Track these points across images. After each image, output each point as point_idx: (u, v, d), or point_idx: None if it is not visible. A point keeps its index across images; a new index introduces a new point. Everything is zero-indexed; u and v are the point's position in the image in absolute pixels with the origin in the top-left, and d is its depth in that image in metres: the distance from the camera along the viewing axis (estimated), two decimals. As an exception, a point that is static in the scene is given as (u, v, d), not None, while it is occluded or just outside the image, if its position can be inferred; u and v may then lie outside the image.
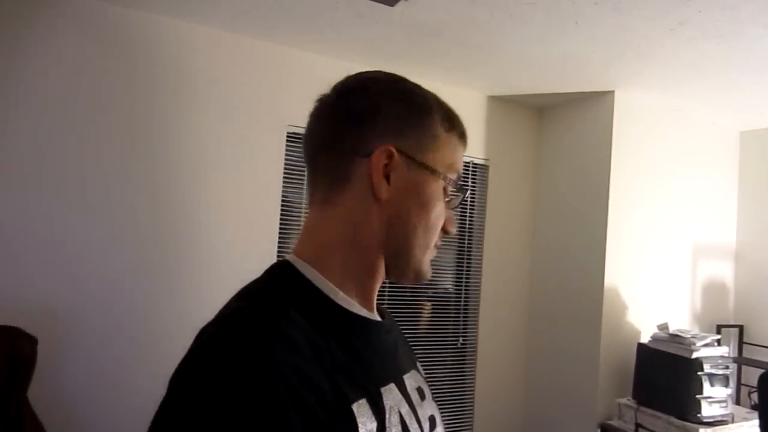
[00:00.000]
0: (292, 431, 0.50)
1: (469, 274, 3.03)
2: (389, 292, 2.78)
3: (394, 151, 0.64)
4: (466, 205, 3.00)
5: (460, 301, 3.02)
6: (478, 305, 3.01)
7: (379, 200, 0.64)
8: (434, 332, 2.94)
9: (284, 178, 2.49)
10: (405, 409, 0.66)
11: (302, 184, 2.51)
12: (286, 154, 2.50)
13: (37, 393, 1.86)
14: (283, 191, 2.50)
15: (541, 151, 3.18)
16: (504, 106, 3.07)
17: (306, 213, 0.76)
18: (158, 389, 0.54)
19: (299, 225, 2.49)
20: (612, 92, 2.74)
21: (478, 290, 3.01)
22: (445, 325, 2.99)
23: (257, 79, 2.44)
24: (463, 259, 3.01)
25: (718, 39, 2.07)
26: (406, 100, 0.68)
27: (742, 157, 3.23)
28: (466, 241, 3.01)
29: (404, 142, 0.65)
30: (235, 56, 2.40)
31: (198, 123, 2.33)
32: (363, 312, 0.67)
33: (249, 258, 2.32)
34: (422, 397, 0.73)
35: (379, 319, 0.70)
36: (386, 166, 0.64)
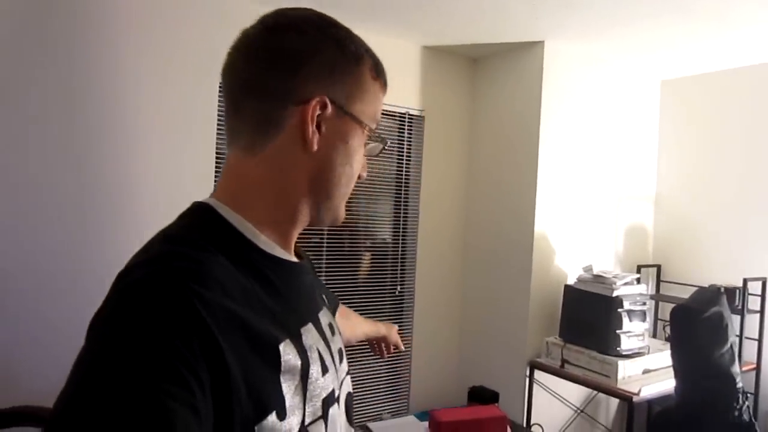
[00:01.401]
0: (228, 374, 0.50)
1: (406, 225, 3.08)
2: (328, 243, 2.80)
3: (328, 101, 0.63)
4: (402, 156, 3.03)
5: (397, 251, 3.08)
6: (415, 254, 3.08)
7: (310, 151, 0.64)
8: (373, 282, 3.00)
9: (218, 125, 2.44)
10: (322, 346, 0.69)
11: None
12: (220, 100, 2.43)
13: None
14: (217, 138, 2.43)
15: (475, 101, 3.22)
16: (438, 56, 3.08)
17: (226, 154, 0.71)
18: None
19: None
20: (542, 42, 2.79)
21: (415, 240, 3.08)
22: (383, 274, 3.05)
23: (185, 23, 2.34)
24: (399, 209, 3.06)
25: (638, -12, 2.13)
26: (342, 47, 0.65)
27: (662, 105, 3.38)
28: (402, 192, 3.05)
29: (336, 92, 0.64)
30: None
31: (127, 68, 2.22)
32: (284, 255, 0.67)
33: (181, 205, 2.27)
34: (332, 332, 0.76)
35: (296, 260, 0.70)
36: (318, 116, 0.63)
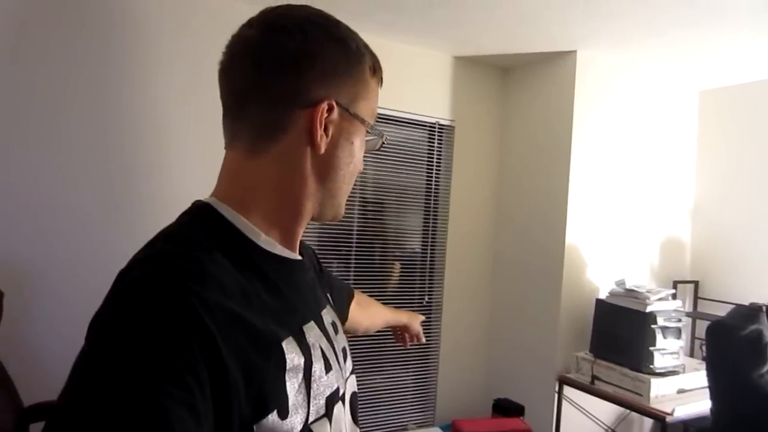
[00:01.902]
0: (227, 373, 0.50)
1: (435, 235, 3.07)
2: (357, 252, 2.81)
3: (335, 104, 0.63)
4: (432, 166, 3.02)
5: (426, 261, 3.06)
6: (443, 264, 3.06)
7: (317, 153, 0.63)
8: (401, 291, 2.99)
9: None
10: (324, 344, 0.68)
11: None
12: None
13: (3, 344, 1.88)
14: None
15: (505, 111, 3.20)
16: (469, 66, 3.07)
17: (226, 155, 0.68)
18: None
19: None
20: (574, 52, 2.76)
21: (444, 250, 3.06)
22: (412, 284, 3.04)
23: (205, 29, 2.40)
24: (429, 219, 3.05)
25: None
26: (344, 46, 0.64)
27: (701, 116, 3.28)
28: (432, 202, 3.04)
29: (341, 93, 0.64)
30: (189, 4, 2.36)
31: (158, 72, 2.30)
32: (285, 252, 0.67)
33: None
34: (336, 330, 0.76)
35: (298, 257, 0.70)
36: (326, 118, 0.63)
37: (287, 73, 0.61)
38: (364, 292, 2.71)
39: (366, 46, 0.68)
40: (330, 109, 0.63)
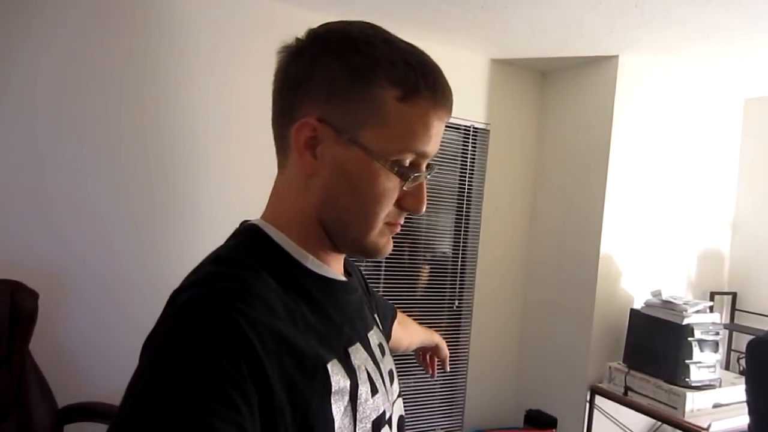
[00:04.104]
0: (273, 394, 0.50)
1: (466, 238, 3.05)
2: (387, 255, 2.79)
3: (317, 123, 0.59)
4: (466, 169, 3.00)
5: (456, 265, 3.04)
6: (474, 269, 3.04)
7: (307, 172, 0.61)
8: (431, 295, 2.98)
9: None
10: (371, 366, 0.67)
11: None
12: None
13: (38, 346, 1.91)
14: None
15: (542, 115, 3.16)
16: (507, 69, 3.03)
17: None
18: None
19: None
20: (616, 57, 2.70)
21: (475, 254, 3.04)
22: (442, 288, 3.02)
23: (250, 32, 2.40)
24: (461, 222, 3.03)
25: (724, 3, 2.03)
26: (347, 61, 0.58)
27: (745, 124, 3.20)
28: (464, 206, 3.02)
29: (332, 113, 0.59)
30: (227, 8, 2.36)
31: (193, 77, 2.31)
32: (330, 273, 0.66)
33: (246, 212, 2.32)
34: (383, 352, 0.75)
35: (344, 279, 0.70)
36: (313, 138, 0.59)
37: (287, 90, 0.63)
38: (392, 293, 2.72)
39: (394, 64, 0.58)
40: (311, 128, 0.59)
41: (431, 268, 3.02)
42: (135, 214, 2.23)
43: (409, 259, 2.92)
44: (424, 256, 2.99)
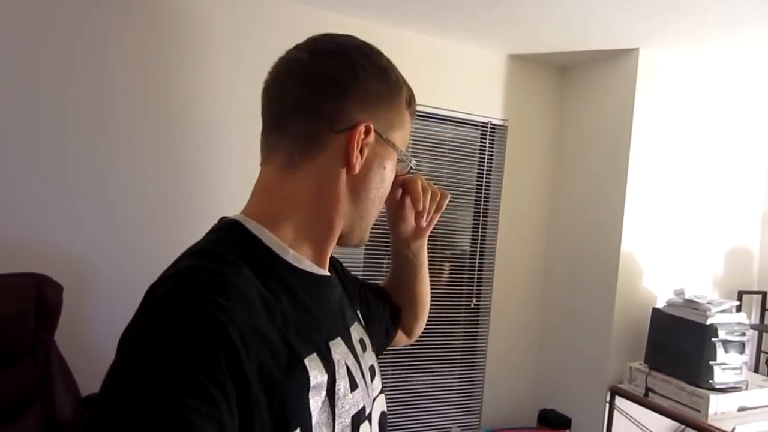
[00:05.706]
0: (250, 389, 0.51)
1: (484, 235, 3.03)
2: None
3: (372, 128, 0.66)
4: (483, 165, 2.98)
5: (474, 262, 3.03)
6: (492, 266, 3.01)
7: (351, 173, 0.66)
8: (448, 293, 2.96)
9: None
10: (351, 361, 0.68)
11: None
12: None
13: (63, 337, 1.98)
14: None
15: (561, 111, 3.11)
16: (524, 64, 3.00)
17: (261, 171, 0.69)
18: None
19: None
20: (636, 50, 2.64)
21: (493, 252, 3.01)
22: (459, 285, 3.01)
23: (266, 35, 2.44)
24: (479, 219, 3.01)
25: (745, -8, 1.97)
26: (385, 77, 0.69)
27: (775, 118, 3.08)
28: (482, 203, 3.00)
29: (378, 119, 0.67)
30: (246, 11, 2.41)
31: (217, 77, 2.37)
32: (313, 268, 0.68)
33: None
34: (364, 348, 0.76)
35: (327, 273, 0.71)
36: (362, 140, 0.66)
37: (332, 94, 0.65)
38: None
39: (404, 80, 0.73)
40: (367, 132, 0.66)
41: (449, 265, 3.00)
42: (157, 210, 2.29)
43: (430, 255, 2.90)
44: (443, 252, 2.98)
